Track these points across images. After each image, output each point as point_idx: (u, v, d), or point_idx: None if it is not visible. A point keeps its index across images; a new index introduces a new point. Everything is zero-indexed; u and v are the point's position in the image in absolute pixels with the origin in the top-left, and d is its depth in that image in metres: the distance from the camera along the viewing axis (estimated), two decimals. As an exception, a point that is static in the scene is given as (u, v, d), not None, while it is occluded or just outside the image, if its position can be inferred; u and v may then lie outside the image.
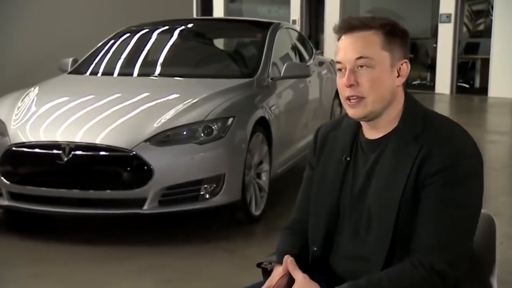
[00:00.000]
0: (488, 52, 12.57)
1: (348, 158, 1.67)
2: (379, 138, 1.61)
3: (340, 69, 1.60)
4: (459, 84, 13.37)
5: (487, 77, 12.56)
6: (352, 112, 1.59)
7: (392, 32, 1.57)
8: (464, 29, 15.00)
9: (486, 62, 12.82)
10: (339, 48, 1.60)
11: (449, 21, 12.65)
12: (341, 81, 1.59)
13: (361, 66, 1.55)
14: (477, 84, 13.79)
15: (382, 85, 1.56)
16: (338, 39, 1.62)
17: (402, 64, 1.59)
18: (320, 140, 1.77)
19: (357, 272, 1.55)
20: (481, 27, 15.43)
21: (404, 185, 1.51)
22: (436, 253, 1.46)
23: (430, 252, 1.46)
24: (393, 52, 1.57)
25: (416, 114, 1.59)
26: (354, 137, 1.69)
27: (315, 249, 1.69)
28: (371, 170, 1.60)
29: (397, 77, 1.59)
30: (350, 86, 1.56)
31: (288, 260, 1.60)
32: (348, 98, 1.58)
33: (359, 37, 1.57)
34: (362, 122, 1.65)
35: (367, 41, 1.56)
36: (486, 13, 14.98)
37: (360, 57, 1.55)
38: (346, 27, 1.59)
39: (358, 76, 1.56)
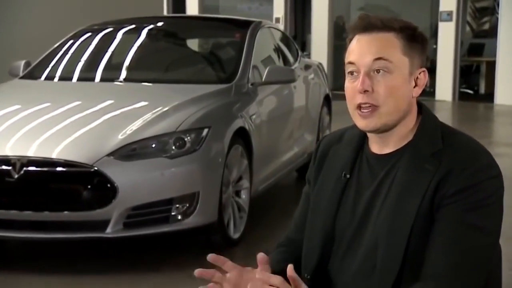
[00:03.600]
0: (494, 54, 12.73)
1: (348, 175, 1.68)
2: (390, 153, 1.63)
3: (351, 72, 1.59)
4: (462, 90, 13.51)
5: (493, 82, 12.70)
6: (363, 123, 1.59)
7: (413, 37, 1.59)
8: (467, 28, 15.20)
9: (492, 65, 12.98)
10: (352, 48, 1.60)
11: (450, 20, 12.80)
12: (353, 85, 1.58)
13: (378, 71, 1.56)
14: (482, 90, 13.95)
15: (399, 94, 1.57)
16: (351, 39, 1.62)
17: (420, 74, 1.61)
18: (321, 153, 1.78)
19: None
20: (486, 26, 15.65)
21: (419, 206, 1.53)
22: (446, 284, 1.48)
23: (440, 282, 1.48)
24: (412, 59, 1.59)
25: (434, 129, 1.62)
26: (357, 151, 1.70)
27: (308, 277, 1.70)
28: (379, 188, 1.62)
29: (414, 87, 1.61)
30: (364, 92, 1.56)
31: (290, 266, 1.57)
32: (359, 107, 1.58)
33: (378, 38, 1.57)
34: (370, 135, 1.66)
35: (387, 42, 1.57)
36: (492, 11, 15.21)
37: (379, 58, 1.55)
38: (364, 25, 1.59)
39: (374, 82, 1.56)
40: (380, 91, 1.56)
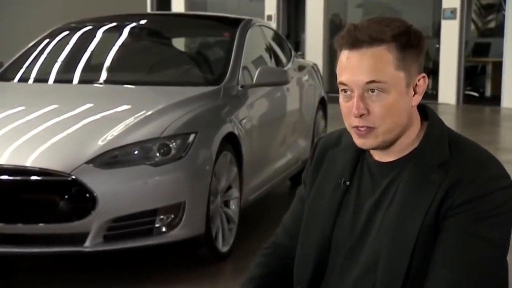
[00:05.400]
0: (500, 54, 12.80)
1: (348, 183, 1.69)
2: (393, 161, 1.64)
3: (344, 90, 1.60)
4: (466, 92, 13.59)
5: (500, 84, 12.77)
6: (361, 142, 1.61)
7: (408, 44, 1.58)
8: (472, 26, 15.28)
9: (498, 66, 13.05)
10: (342, 66, 1.60)
11: (454, 17, 12.87)
12: (347, 106, 1.59)
13: (373, 91, 1.56)
14: (488, 92, 14.04)
15: (397, 111, 1.58)
16: (340, 51, 1.62)
17: (419, 80, 1.61)
18: (318, 155, 1.79)
19: None
20: (492, 25, 15.75)
21: (423, 219, 1.54)
22: None
23: None
24: (409, 70, 1.58)
25: (441, 136, 1.62)
26: (357, 157, 1.71)
27: None
28: (381, 198, 1.63)
29: (413, 95, 1.61)
30: (360, 116, 1.57)
31: None
32: (356, 127, 1.59)
33: (368, 55, 1.56)
34: None
35: (379, 60, 1.55)
36: (498, 8, 15.31)
37: (371, 81, 1.56)
38: (352, 42, 1.57)
39: (369, 103, 1.57)
40: (376, 113, 1.57)
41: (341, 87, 1.61)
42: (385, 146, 1.62)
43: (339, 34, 1.61)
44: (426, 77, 1.63)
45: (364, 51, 1.56)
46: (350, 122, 1.60)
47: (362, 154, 1.71)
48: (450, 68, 12.89)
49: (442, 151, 1.59)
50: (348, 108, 1.59)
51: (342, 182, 1.70)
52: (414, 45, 1.59)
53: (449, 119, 11.05)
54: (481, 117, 12.06)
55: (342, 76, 1.59)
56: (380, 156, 1.66)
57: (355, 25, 1.59)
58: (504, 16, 13.23)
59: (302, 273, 1.71)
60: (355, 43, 1.57)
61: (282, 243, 1.82)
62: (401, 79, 1.57)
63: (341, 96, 1.62)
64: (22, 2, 8.04)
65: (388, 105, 1.56)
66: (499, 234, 1.54)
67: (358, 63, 1.56)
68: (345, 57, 1.59)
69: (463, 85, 13.20)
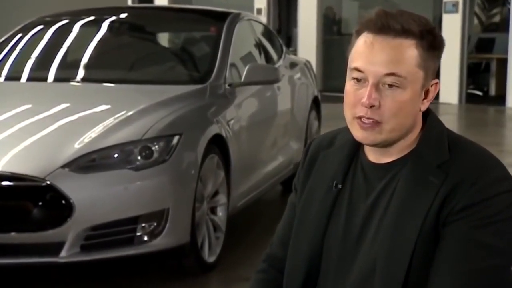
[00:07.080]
0: (505, 50, 12.85)
1: (340, 186, 1.69)
2: (389, 162, 1.64)
3: (357, 78, 1.58)
4: (469, 91, 13.64)
5: (505, 82, 12.82)
6: (361, 135, 1.60)
7: (432, 45, 1.59)
8: (475, 21, 15.35)
9: (503, 63, 13.10)
10: (360, 50, 1.59)
11: (456, 11, 12.92)
12: (356, 93, 1.58)
13: (389, 85, 1.56)
14: (492, 91, 14.09)
15: (407, 111, 1.58)
16: (359, 33, 1.60)
17: (431, 86, 1.62)
18: (310, 157, 1.79)
19: None
20: (497, 19, 15.83)
21: (422, 223, 1.55)
22: None
23: None
24: (427, 71, 1.59)
25: (441, 137, 1.63)
26: (351, 158, 1.71)
27: None
28: (376, 202, 1.63)
29: (423, 99, 1.62)
30: (370, 106, 1.56)
31: None
32: (360, 117, 1.58)
33: (394, 45, 1.56)
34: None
35: (404, 54, 1.56)
36: (503, 1, 15.38)
37: (391, 74, 1.55)
38: (380, 26, 1.56)
39: (382, 96, 1.56)
40: (387, 106, 1.56)
41: (353, 74, 1.59)
42: (385, 145, 1.62)
43: (365, 16, 1.60)
44: (439, 84, 1.65)
45: (389, 39, 1.56)
46: (355, 112, 1.58)
47: (356, 154, 1.71)
48: (452, 65, 12.92)
49: (441, 152, 1.60)
50: (356, 96, 1.58)
51: (334, 185, 1.70)
52: (437, 47, 1.60)
53: (451, 120, 11.09)
54: (485, 118, 12.11)
55: (358, 61, 1.58)
56: (375, 157, 1.66)
57: (385, 11, 1.58)
58: (509, 9, 13.29)
59: (292, 282, 1.71)
60: (383, 29, 1.56)
61: (278, 255, 1.82)
62: (419, 78, 1.58)
63: (350, 82, 1.60)
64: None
65: (401, 102, 1.56)
66: (503, 241, 1.55)
67: (380, 52, 1.56)
68: (367, 40, 1.57)
69: (465, 83, 13.25)
